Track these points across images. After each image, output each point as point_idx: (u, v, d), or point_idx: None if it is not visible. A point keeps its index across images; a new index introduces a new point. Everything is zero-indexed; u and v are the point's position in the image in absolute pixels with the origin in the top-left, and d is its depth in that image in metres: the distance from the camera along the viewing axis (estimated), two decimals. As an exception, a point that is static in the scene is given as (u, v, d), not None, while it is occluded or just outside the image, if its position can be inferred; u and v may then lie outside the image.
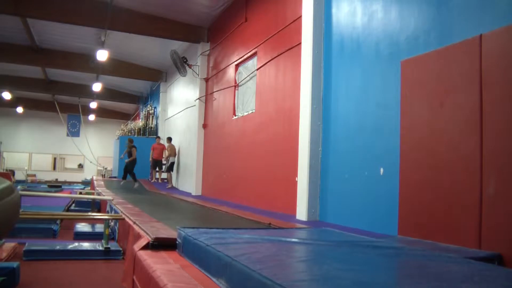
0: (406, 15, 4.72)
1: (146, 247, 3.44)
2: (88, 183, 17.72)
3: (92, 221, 7.50)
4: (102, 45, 12.94)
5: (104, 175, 21.00)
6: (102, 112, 25.95)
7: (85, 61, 15.13)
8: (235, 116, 9.63)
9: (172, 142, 14.50)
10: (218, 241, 2.88)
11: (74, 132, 26.28)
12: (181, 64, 12.08)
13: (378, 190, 4.86)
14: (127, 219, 5.01)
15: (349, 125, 5.58)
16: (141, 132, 19.08)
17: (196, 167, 11.62)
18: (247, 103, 9.12)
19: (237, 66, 9.76)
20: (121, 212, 5.76)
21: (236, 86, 9.72)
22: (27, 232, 6.33)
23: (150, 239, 3.50)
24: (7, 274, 3.72)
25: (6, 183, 3.13)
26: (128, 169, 12.72)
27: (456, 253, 3.05)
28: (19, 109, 24.46)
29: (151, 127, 18.65)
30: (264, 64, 8.11)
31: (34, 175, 24.88)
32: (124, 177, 12.89)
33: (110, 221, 5.68)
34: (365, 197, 5.09)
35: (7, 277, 3.70)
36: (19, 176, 22.00)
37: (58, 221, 7.10)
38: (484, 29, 3.55)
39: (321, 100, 6.15)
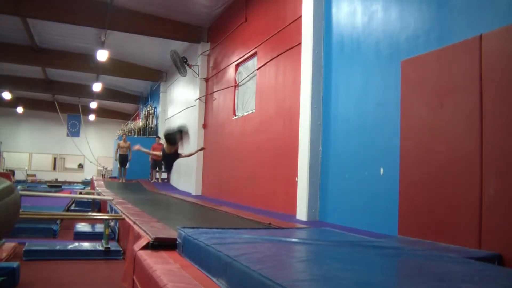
0: (406, 15, 4.72)
1: (146, 247, 3.44)
2: (88, 183, 17.72)
3: (92, 221, 7.49)
4: (102, 45, 12.94)
5: (104, 175, 20.95)
6: (102, 112, 25.94)
7: (85, 61, 15.14)
8: (235, 116, 9.62)
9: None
10: (218, 241, 2.87)
11: (74, 132, 26.24)
12: (181, 64, 12.08)
13: (378, 190, 4.86)
14: (127, 219, 5.01)
15: (349, 125, 5.58)
16: (141, 132, 19.07)
17: (196, 167, 11.62)
18: (247, 103, 9.11)
19: (237, 66, 9.76)
20: (121, 212, 5.75)
21: (236, 86, 9.72)
22: (27, 232, 6.32)
23: (150, 239, 3.50)
24: (7, 274, 3.72)
25: (6, 183, 3.14)
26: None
27: (456, 253, 3.05)
28: (19, 109, 24.45)
29: (151, 127, 18.64)
30: (264, 64, 8.11)
31: (34, 175, 24.84)
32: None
33: (110, 221, 5.68)
34: (365, 197, 5.09)
35: (7, 277, 3.70)
36: (19, 176, 21.98)
37: (58, 221, 7.09)
38: (484, 29, 3.55)
39: (321, 100, 6.15)
